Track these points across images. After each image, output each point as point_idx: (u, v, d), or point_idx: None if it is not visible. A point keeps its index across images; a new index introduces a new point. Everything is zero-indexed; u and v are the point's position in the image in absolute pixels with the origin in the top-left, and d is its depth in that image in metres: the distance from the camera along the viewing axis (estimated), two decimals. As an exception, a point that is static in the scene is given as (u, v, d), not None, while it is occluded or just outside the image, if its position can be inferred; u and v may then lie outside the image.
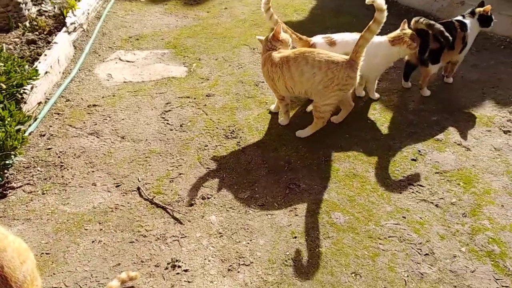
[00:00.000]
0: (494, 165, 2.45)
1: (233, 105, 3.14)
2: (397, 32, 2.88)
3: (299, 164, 2.53)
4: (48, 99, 3.13)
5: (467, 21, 2.99)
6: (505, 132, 2.73)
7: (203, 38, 4.20)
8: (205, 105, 3.14)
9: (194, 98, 3.22)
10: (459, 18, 3.04)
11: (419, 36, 2.86)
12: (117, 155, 2.63)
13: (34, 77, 2.86)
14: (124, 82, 3.44)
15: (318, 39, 2.85)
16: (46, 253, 1.98)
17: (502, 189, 2.28)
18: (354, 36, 2.86)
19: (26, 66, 2.95)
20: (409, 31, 2.85)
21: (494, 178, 2.36)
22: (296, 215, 2.17)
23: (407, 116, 2.95)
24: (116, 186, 2.40)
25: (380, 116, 2.96)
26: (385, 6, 2.23)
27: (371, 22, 2.26)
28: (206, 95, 3.26)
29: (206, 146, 2.70)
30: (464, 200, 2.23)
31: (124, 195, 2.34)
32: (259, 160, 2.57)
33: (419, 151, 2.59)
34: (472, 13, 3.00)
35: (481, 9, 2.97)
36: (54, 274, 1.89)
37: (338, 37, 2.85)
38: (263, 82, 3.36)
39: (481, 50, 3.76)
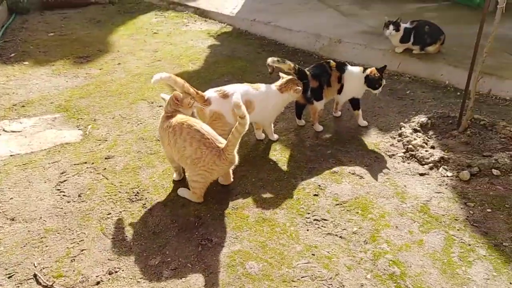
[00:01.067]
0: (384, 189, 2.70)
1: (136, 164, 3.04)
2: (282, 80, 3.08)
3: (210, 217, 2.51)
4: None
5: (351, 68, 3.27)
6: (390, 156, 3.04)
7: (97, 97, 4.06)
8: (105, 168, 2.99)
9: (92, 163, 3.06)
10: (352, 66, 3.32)
11: (300, 78, 3.11)
12: (7, 240, 2.36)
13: None
14: (11, 155, 3.14)
15: (211, 93, 2.92)
16: None
17: (394, 211, 2.51)
18: (246, 87, 3.00)
19: None
20: (292, 77, 3.08)
21: (386, 201, 2.59)
22: (211, 273, 2.13)
23: (305, 152, 3.13)
24: (9, 277, 2.13)
25: (281, 156, 3.10)
26: (246, 114, 2.30)
27: (237, 124, 2.33)
28: (105, 158, 3.11)
29: (109, 214, 2.56)
30: (364, 227, 2.39)
31: (18, 286, 2.08)
32: (168, 220, 2.50)
33: (320, 185, 2.75)
34: (364, 69, 3.25)
35: (369, 70, 3.21)
36: None
37: (230, 89, 2.95)
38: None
39: (361, 82, 4.19)
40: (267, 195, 2.68)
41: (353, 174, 2.86)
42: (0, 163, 3.05)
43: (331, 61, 3.32)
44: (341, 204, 2.58)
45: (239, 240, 2.33)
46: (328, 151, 3.13)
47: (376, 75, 3.18)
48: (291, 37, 5.38)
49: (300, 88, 3.00)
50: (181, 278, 2.10)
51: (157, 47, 5.36)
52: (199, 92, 2.87)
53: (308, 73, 3.18)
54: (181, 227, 2.44)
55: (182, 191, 2.66)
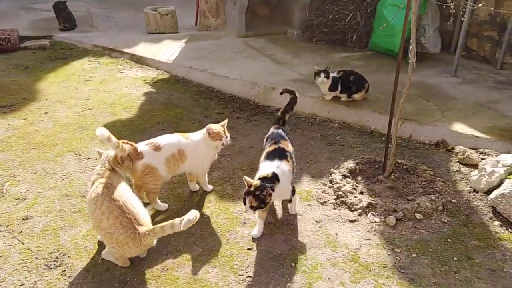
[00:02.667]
0: (317, 239, 2.71)
1: (57, 225, 2.81)
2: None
3: (136, 282, 2.35)
4: None
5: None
6: (322, 203, 3.09)
7: (19, 150, 3.78)
8: (21, 231, 2.74)
9: (7, 226, 2.79)
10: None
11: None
12: None
13: None
14: None
15: (142, 146, 2.84)
16: None
17: (326, 261, 2.51)
18: (177, 137, 2.97)
19: None
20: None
21: (319, 251, 2.60)
22: None
23: (240, 203, 3.09)
24: None
25: (216, 208, 3.03)
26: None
27: (171, 227, 2.27)
28: (23, 219, 2.86)
29: (22, 285, 2.31)
30: (297, 281, 2.36)
31: None
32: (89, 288, 2.30)
33: (254, 238, 2.71)
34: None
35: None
36: None
37: (161, 140, 2.89)
38: (91, 191, 3.13)
39: (294, 129, 4.31)
40: (199, 253, 2.58)
41: (286, 224, 2.85)
42: None
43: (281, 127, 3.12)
44: (274, 258, 2.54)
45: (167, 306, 2.19)
46: (262, 200, 3.12)
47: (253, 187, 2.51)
48: (228, 84, 5.47)
49: (222, 136, 2.93)
50: None
51: (89, 94, 5.18)
52: (133, 144, 2.77)
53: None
54: (104, 295, 2.25)
55: (106, 254, 2.48)
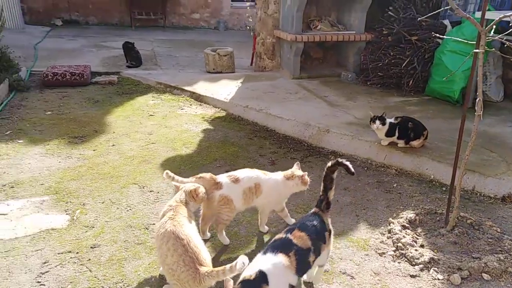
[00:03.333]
0: (376, 291, 2.65)
1: (121, 255, 2.96)
2: (290, 170, 3.15)
3: (195, 319, 2.40)
4: None
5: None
6: (380, 254, 3.02)
7: (89, 179, 4.06)
8: (89, 259, 2.90)
9: (77, 252, 2.97)
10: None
11: None
12: None
13: None
14: (-8, 241, 3.05)
15: (223, 178, 3.01)
16: None
17: (386, 317, 2.44)
18: (256, 172, 3.12)
19: None
20: (300, 172, 3.12)
21: (378, 305, 2.53)
22: None
23: (295, 247, 3.09)
24: None
25: (271, 250, 3.06)
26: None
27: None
28: (91, 247, 3.04)
29: (90, 313, 2.43)
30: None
31: None
32: (151, 322, 2.38)
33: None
34: None
35: None
36: None
37: (240, 174, 3.05)
38: (153, 224, 3.29)
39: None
40: (256, 295, 2.60)
41: (344, 273, 2.81)
42: (-20, 249, 2.95)
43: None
44: (331, 308, 2.51)
45: None
46: (318, 246, 3.11)
47: None
48: (282, 124, 5.60)
49: (307, 178, 3.06)
50: None
51: (152, 129, 5.50)
52: (207, 175, 2.97)
53: None
54: (165, 331, 2.32)
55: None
